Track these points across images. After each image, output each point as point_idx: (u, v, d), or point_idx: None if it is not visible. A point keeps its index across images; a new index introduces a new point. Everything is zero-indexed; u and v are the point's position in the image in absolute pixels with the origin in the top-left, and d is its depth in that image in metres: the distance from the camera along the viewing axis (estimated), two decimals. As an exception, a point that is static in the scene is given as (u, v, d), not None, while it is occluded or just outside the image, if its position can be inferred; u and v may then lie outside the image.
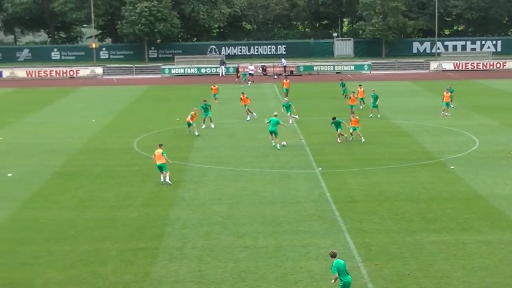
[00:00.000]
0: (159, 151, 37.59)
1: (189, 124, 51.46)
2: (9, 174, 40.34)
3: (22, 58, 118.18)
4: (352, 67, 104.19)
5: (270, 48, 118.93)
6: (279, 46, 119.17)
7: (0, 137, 52.61)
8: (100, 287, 23.32)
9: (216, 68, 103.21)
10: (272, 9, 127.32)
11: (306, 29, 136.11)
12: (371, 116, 58.35)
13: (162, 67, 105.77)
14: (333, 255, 22.31)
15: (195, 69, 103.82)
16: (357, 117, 49.06)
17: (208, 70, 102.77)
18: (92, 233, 29.69)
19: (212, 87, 70.76)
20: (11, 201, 34.79)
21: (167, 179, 37.44)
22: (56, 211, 33.06)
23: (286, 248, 27.33)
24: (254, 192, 35.76)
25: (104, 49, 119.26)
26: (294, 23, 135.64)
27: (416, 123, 55.89)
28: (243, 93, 61.52)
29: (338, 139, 48.15)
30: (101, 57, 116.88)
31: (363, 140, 48.06)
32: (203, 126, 54.01)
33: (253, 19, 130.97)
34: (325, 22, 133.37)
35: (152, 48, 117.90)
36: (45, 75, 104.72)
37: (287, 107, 56.00)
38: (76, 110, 67.75)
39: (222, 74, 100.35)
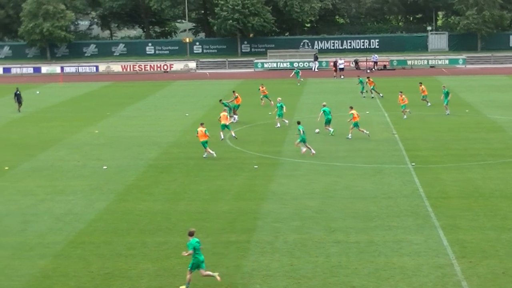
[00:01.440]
0: (201, 129, 42.12)
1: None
2: (104, 167, 41.14)
3: (118, 52, 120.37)
4: (447, 61, 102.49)
5: (363, 42, 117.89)
6: (372, 40, 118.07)
7: (96, 130, 53.74)
8: (192, 279, 23.54)
9: (309, 62, 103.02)
10: (364, 3, 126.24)
11: (400, 23, 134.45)
12: (448, 114, 56.81)
13: (255, 61, 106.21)
14: (191, 234, 23.71)
15: (288, 63, 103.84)
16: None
17: (301, 65, 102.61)
18: (185, 225, 29.95)
19: (260, 87, 66.12)
20: (107, 193, 35.50)
21: (211, 152, 42.40)
22: (150, 203, 33.59)
23: (378, 243, 27.10)
24: (346, 186, 35.58)
25: (197, 43, 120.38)
26: (387, 17, 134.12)
27: (512, 118, 54.70)
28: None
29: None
30: (195, 51, 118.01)
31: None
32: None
33: (345, 13, 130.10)
34: (419, 15, 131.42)
35: (245, 42, 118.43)
36: (140, 69, 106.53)
37: (280, 108, 52.76)
38: (170, 104, 68.63)
39: (315, 69, 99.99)
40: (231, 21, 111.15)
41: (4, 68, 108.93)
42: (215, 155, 42.54)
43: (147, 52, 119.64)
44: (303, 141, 42.57)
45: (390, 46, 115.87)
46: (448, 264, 24.62)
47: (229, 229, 29.34)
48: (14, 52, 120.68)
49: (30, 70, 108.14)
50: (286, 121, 53.38)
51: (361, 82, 70.35)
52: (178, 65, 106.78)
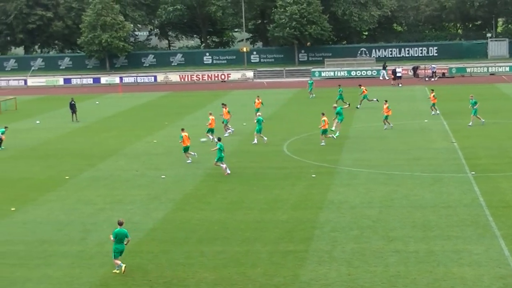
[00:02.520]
0: (185, 134, 44.65)
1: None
2: (163, 176, 41.43)
3: (176, 62, 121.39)
4: (507, 68, 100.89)
5: (421, 50, 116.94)
6: (430, 48, 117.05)
7: (154, 140, 54.19)
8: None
9: (368, 70, 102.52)
10: (423, 10, 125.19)
11: (458, 30, 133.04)
12: (483, 122, 55.20)
13: (312, 70, 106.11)
14: (120, 223, 26.13)
15: (345, 71, 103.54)
16: None
17: (358, 73, 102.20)
18: (243, 234, 30.05)
19: (256, 100, 64.47)
20: (165, 202, 35.74)
21: (194, 154, 45.20)
22: (208, 212, 33.71)
23: (437, 253, 26.76)
24: (404, 195, 35.26)
25: (255, 52, 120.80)
26: (445, 24, 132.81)
27: None
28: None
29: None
30: (252, 60, 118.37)
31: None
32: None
33: (403, 20, 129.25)
34: (478, 22, 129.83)
35: (302, 51, 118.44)
36: (197, 79, 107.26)
37: (258, 122, 51.46)
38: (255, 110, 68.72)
39: (384, 77, 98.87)
40: (288, 29, 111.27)
41: (65, 79, 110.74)
42: (196, 155, 45.31)
43: (205, 62, 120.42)
44: (220, 160, 41.56)
45: (449, 54, 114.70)
46: (510, 275, 24.19)
47: (287, 239, 29.26)
48: (74, 63, 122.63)
49: (90, 81, 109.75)
50: (265, 138, 51.20)
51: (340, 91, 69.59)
52: (235, 75, 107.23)
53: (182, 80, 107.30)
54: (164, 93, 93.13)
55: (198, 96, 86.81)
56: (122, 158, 47.99)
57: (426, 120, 58.40)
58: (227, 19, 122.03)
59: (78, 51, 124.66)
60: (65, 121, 67.03)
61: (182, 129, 45.79)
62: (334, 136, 50.99)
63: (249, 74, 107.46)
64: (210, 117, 51.52)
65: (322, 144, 49.12)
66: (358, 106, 67.84)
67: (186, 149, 45.08)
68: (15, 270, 26.75)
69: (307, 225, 30.99)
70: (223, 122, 55.72)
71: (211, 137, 50.91)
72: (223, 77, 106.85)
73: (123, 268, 25.86)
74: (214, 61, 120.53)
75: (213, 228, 31.15)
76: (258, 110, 60.95)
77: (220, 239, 29.69)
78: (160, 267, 26.46)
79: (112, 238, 26.02)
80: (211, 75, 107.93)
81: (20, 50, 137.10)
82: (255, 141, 51.21)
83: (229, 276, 25.39)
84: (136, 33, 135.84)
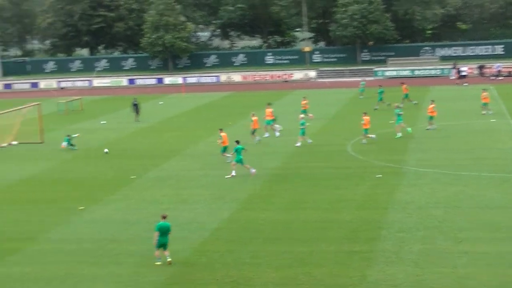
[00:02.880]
0: (224, 134, 44.94)
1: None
2: (227, 176, 41.53)
3: (238, 62, 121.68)
4: None
5: (486, 48, 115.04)
6: (496, 46, 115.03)
7: (218, 140, 54.20)
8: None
9: (431, 69, 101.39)
10: (487, 8, 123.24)
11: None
12: None
13: (375, 69, 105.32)
14: (163, 217, 27.29)
15: (408, 71, 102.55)
16: None
17: (422, 72, 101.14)
18: (307, 234, 29.99)
19: (303, 101, 64.55)
20: (229, 202, 35.86)
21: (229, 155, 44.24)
22: (272, 212, 33.73)
23: (507, 255, 26.31)
24: (471, 196, 34.78)
25: (317, 52, 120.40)
26: (511, 22, 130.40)
27: None
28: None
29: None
30: (314, 60, 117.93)
31: None
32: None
33: (468, 18, 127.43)
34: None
35: (365, 50, 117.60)
36: (260, 79, 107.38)
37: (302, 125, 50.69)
38: (289, 113, 68.64)
39: (453, 77, 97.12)
40: (351, 28, 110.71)
41: (129, 80, 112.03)
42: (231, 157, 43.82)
43: (267, 62, 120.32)
44: (240, 162, 41.69)
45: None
46: None
47: (352, 239, 29.11)
48: (138, 63, 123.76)
49: (154, 81, 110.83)
50: (310, 141, 50.78)
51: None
52: (298, 74, 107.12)
53: (245, 80, 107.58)
54: (227, 93, 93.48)
55: (261, 96, 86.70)
56: (186, 158, 48.32)
57: (493, 120, 57.47)
58: (290, 19, 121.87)
59: (141, 52, 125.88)
60: (129, 121, 67.74)
61: (221, 129, 46.39)
62: (374, 136, 50.45)
63: (312, 73, 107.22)
64: (253, 118, 51.24)
65: (363, 142, 49.57)
66: (415, 102, 67.91)
67: (224, 149, 45.17)
68: (84, 268, 27.17)
69: (373, 225, 30.79)
70: (268, 124, 55.60)
71: (257, 138, 51.95)
72: (285, 77, 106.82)
73: (168, 260, 26.81)
74: (277, 61, 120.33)
75: (278, 228, 31.16)
76: (304, 111, 61.10)
77: (284, 239, 29.67)
78: (226, 266, 26.54)
79: (156, 232, 26.93)
80: (274, 75, 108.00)
81: (85, 51, 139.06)
82: (298, 143, 50.21)
83: (295, 276, 25.35)
84: (198, 33, 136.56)
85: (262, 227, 31.36)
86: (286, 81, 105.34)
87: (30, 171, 46.09)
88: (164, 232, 26.93)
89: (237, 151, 41.49)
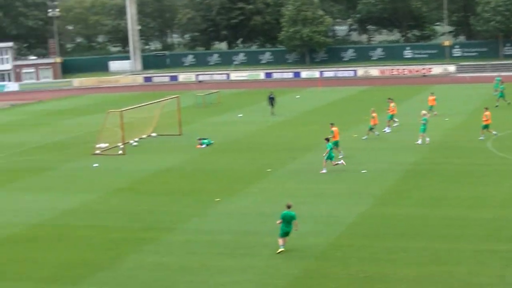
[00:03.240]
0: (336, 129, 45.03)
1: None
2: (363, 171, 41.26)
3: (376, 57, 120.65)
4: None
5: None
6: None
7: (354, 134, 53.91)
8: (455, 288, 23.00)
9: None
10: None
11: None
12: None
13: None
14: (288, 206, 27.80)
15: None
16: None
17: None
18: (445, 231, 29.41)
19: (430, 97, 63.09)
20: (365, 197, 35.57)
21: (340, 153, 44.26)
22: (408, 208, 33.28)
23: None
24: None
25: (457, 46, 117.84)
26: None
27: None
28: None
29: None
30: (454, 54, 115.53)
31: None
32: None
33: None
34: None
35: (508, 44, 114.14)
36: (398, 73, 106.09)
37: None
38: (428, 108, 67.55)
39: None
40: (494, 22, 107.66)
41: (266, 73, 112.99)
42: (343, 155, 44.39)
43: (405, 56, 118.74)
44: (331, 158, 41.72)
45: None
46: None
47: (494, 238, 28.30)
48: (275, 57, 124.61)
49: (290, 75, 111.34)
50: (428, 139, 48.97)
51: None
52: (437, 69, 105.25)
53: (382, 74, 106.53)
54: (364, 87, 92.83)
55: (399, 91, 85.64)
56: (322, 152, 48.08)
57: None
58: (430, 12, 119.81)
59: (278, 46, 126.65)
60: (266, 114, 68.24)
61: (332, 124, 46.27)
62: (495, 133, 48.94)
63: (451, 68, 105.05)
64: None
65: (480, 138, 48.32)
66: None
67: (335, 144, 44.90)
68: (222, 259, 27.53)
69: (516, 224, 29.89)
70: (390, 118, 55.37)
71: (376, 133, 52.05)
72: (424, 71, 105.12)
73: (280, 249, 27.61)
74: (415, 55, 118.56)
75: (415, 224, 30.69)
76: (431, 107, 60.20)
77: (421, 235, 29.19)
78: (362, 261, 26.35)
79: (280, 220, 27.82)
80: (412, 69, 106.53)
81: (223, 45, 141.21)
82: (419, 141, 49.04)
83: (431, 273, 24.89)
84: (335, 27, 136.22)
85: (398, 223, 30.97)
86: (424, 75, 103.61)
87: (167, 162, 47.14)
88: (287, 220, 27.63)
89: (329, 148, 41.94)
